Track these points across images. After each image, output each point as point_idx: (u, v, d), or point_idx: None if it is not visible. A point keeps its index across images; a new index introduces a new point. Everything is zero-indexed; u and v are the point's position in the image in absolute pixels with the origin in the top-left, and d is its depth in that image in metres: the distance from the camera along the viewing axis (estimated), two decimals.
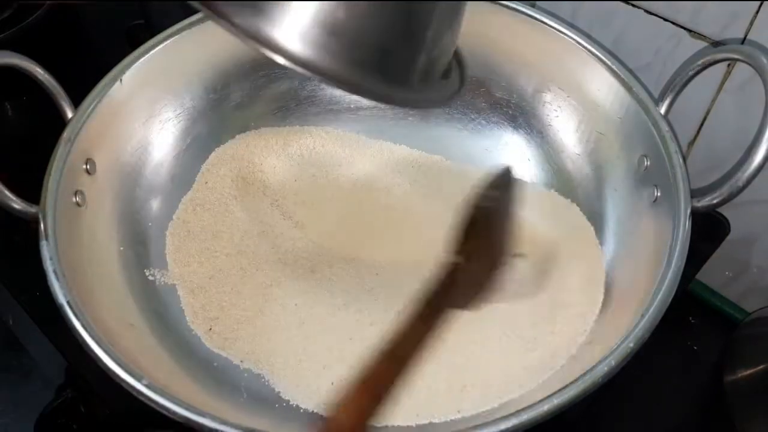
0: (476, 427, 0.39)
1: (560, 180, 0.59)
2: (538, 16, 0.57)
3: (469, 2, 0.58)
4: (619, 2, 0.56)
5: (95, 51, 0.78)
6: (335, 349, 0.50)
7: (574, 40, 0.56)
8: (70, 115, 0.50)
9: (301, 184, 0.60)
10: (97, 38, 0.81)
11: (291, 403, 0.48)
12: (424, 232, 0.58)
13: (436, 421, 0.46)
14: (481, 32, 0.60)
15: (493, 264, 0.44)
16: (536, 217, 0.56)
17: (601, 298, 0.51)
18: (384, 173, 0.61)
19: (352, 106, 0.64)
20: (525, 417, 0.38)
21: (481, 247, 0.42)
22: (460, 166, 0.62)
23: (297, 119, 0.63)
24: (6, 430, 0.54)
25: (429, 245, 0.56)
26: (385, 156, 0.62)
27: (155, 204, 0.57)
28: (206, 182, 0.59)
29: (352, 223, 0.58)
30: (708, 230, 0.55)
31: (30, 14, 0.72)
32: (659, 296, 0.43)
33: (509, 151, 0.62)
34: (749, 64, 0.46)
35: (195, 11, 0.57)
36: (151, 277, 0.53)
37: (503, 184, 0.47)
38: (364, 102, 0.64)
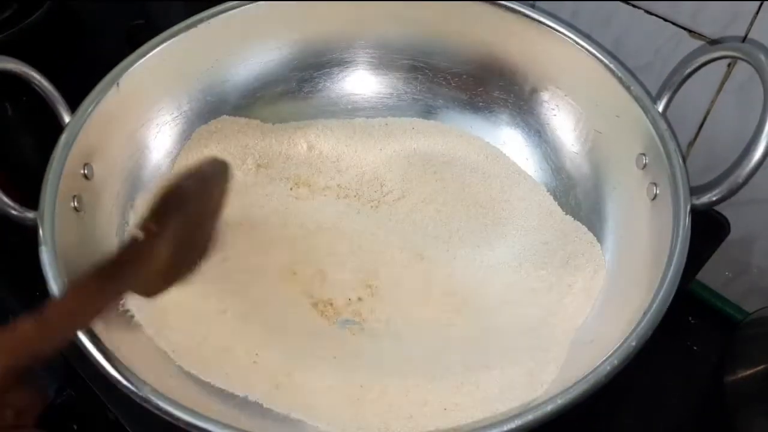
0: (479, 428, 0.39)
1: (559, 179, 0.59)
2: (537, 16, 0.57)
3: (469, 3, 0.59)
4: (619, 2, 0.56)
5: (95, 51, 0.78)
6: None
7: (572, 39, 0.56)
8: (67, 119, 0.50)
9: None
10: (97, 38, 0.81)
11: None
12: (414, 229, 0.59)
13: None
14: (481, 32, 0.60)
15: (184, 250, 0.42)
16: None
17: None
18: (378, 172, 0.61)
19: (349, 107, 0.64)
20: (529, 417, 0.38)
21: (173, 227, 0.40)
22: (459, 165, 0.61)
23: (293, 120, 0.63)
24: None
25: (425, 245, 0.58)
26: (381, 155, 0.62)
27: None
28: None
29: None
30: (708, 230, 0.55)
31: (30, 14, 0.72)
32: (660, 295, 0.43)
33: (507, 150, 0.62)
34: (747, 62, 0.46)
35: (195, 11, 0.57)
36: None
37: (216, 175, 0.46)
38: (362, 103, 0.65)
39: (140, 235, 0.39)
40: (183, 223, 0.41)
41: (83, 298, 0.36)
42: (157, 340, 0.48)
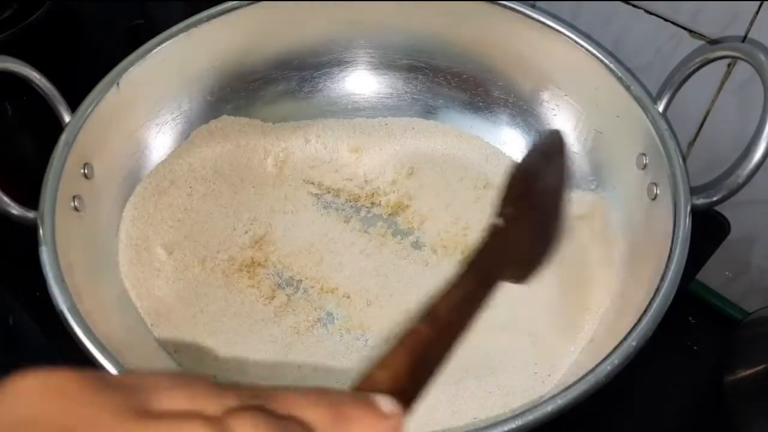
0: (479, 428, 0.39)
1: None
2: (537, 16, 0.57)
3: (469, 2, 0.59)
4: (619, 2, 0.56)
5: (95, 51, 0.78)
6: None
7: (572, 39, 0.56)
8: (67, 119, 0.50)
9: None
10: (97, 38, 0.80)
11: None
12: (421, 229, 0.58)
13: None
14: (480, 32, 0.60)
15: (543, 228, 0.40)
16: None
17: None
18: (377, 172, 0.61)
19: (349, 107, 0.64)
20: (529, 417, 0.38)
21: (527, 209, 0.39)
22: (459, 165, 0.61)
23: (293, 120, 0.63)
24: None
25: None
26: (381, 155, 0.62)
27: None
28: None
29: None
30: (708, 230, 0.55)
31: (30, 14, 0.72)
32: (660, 295, 0.43)
33: (507, 150, 0.62)
34: (747, 62, 0.46)
35: (195, 11, 0.57)
36: None
37: (553, 147, 0.45)
38: (362, 103, 0.65)
39: (500, 222, 0.37)
40: (537, 203, 0.40)
41: (466, 294, 0.32)
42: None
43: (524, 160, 0.43)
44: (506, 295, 0.52)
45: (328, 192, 0.60)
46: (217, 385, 0.21)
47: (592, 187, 0.57)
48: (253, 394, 0.21)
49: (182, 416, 0.20)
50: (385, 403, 0.24)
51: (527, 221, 0.39)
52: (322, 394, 0.22)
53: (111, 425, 0.19)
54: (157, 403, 0.20)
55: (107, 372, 0.39)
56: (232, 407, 0.20)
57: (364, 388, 0.25)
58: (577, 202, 0.56)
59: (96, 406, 0.19)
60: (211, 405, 0.20)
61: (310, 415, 0.22)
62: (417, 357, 0.27)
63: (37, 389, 0.20)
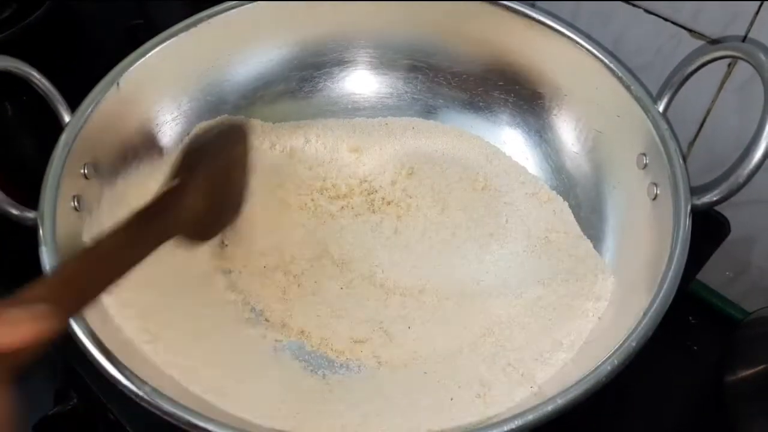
0: (479, 428, 0.39)
1: (559, 179, 0.59)
2: (537, 16, 0.57)
3: (469, 2, 0.59)
4: (619, 2, 0.56)
5: (95, 51, 0.78)
6: None
7: (572, 39, 0.56)
8: (67, 119, 0.50)
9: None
10: (97, 38, 0.80)
11: None
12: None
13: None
14: (481, 32, 0.60)
15: (216, 200, 0.45)
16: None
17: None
18: (377, 171, 0.61)
19: (349, 107, 0.64)
20: (529, 417, 0.38)
21: (199, 180, 0.43)
22: (459, 165, 0.61)
23: (293, 120, 0.63)
24: None
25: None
26: (380, 155, 0.62)
27: None
28: None
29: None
30: (708, 230, 0.55)
31: (30, 14, 0.72)
32: (661, 295, 0.43)
33: (507, 150, 0.62)
34: (747, 62, 0.46)
35: (195, 11, 0.57)
36: None
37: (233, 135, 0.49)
38: (362, 103, 0.65)
39: (174, 182, 0.40)
40: (212, 173, 0.44)
41: (128, 238, 0.37)
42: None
43: (201, 135, 0.47)
44: (504, 299, 0.53)
45: (327, 192, 0.60)
46: None
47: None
48: None
49: None
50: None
51: (201, 186, 0.42)
52: None
53: None
54: None
55: None
56: None
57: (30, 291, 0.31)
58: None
59: None
60: None
61: None
62: (79, 278, 0.34)
63: None
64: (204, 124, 0.59)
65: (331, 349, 0.51)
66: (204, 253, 0.55)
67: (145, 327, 0.47)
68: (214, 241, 0.52)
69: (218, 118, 0.59)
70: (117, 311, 0.47)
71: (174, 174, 0.43)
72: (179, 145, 0.50)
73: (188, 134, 0.59)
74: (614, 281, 0.51)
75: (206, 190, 0.43)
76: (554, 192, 0.59)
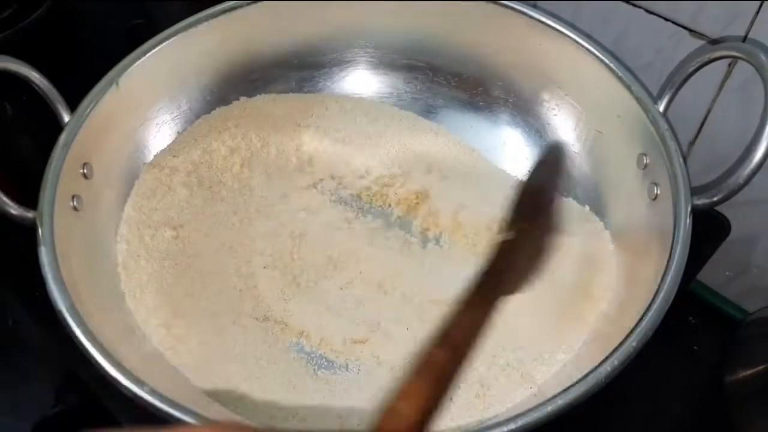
0: (479, 428, 0.39)
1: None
2: (537, 16, 0.57)
3: (469, 2, 0.59)
4: (619, 2, 0.56)
5: (95, 51, 0.78)
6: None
7: (573, 39, 0.56)
8: (66, 119, 0.50)
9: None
10: (97, 38, 0.80)
11: None
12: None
13: None
14: (481, 31, 0.60)
15: (541, 243, 0.41)
16: None
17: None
18: (377, 172, 0.61)
19: (348, 106, 0.64)
20: (529, 418, 0.38)
21: (531, 226, 0.40)
22: (459, 165, 0.61)
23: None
24: (4, 430, 0.54)
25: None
26: (379, 156, 0.62)
27: None
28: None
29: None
30: (708, 230, 0.55)
31: (29, 14, 0.72)
32: (661, 295, 0.43)
33: (507, 149, 0.62)
34: (748, 62, 0.46)
35: (195, 11, 0.57)
36: None
37: (552, 160, 0.46)
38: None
39: (510, 236, 0.38)
40: (540, 216, 0.41)
41: (476, 313, 0.33)
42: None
43: (531, 175, 0.44)
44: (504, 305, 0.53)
45: (326, 192, 0.60)
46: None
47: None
48: None
49: None
50: None
51: (530, 235, 0.39)
52: None
53: None
54: None
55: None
56: None
57: (389, 421, 0.26)
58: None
59: None
60: None
61: None
62: (436, 383, 0.28)
63: None
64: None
65: (331, 350, 0.51)
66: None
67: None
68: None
69: None
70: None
71: (515, 217, 0.39)
72: (515, 185, 0.43)
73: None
74: (614, 280, 0.51)
75: (536, 236, 0.39)
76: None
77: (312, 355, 0.50)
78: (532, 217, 0.40)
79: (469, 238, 0.57)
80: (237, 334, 0.51)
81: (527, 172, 0.43)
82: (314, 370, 0.50)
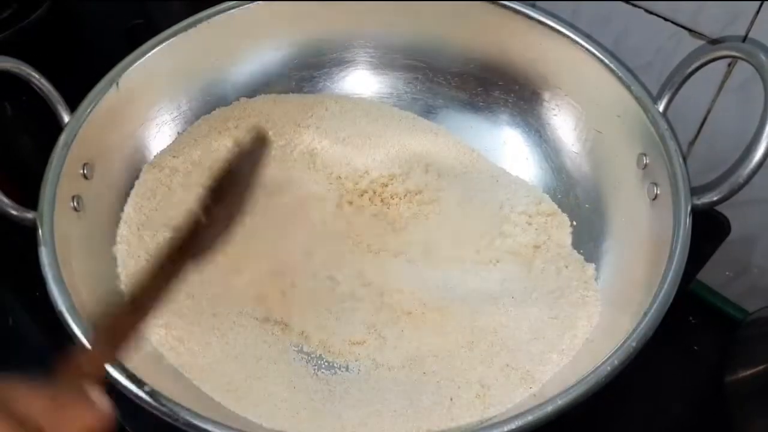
0: (479, 428, 0.39)
1: (559, 179, 0.59)
2: (537, 16, 0.57)
3: (469, 2, 0.59)
4: (619, 2, 0.56)
5: (95, 51, 0.78)
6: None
7: (572, 39, 0.56)
8: (66, 119, 0.50)
9: None
10: (97, 38, 0.80)
11: None
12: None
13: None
14: (481, 32, 0.60)
15: (231, 219, 0.43)
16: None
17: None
18: (377, 172, 0.61)
19: (348, 107, 0.64)
20: (529, 418, 0.38)
21: (224, 207, 0.42)
22: (459, 165, 0.61)
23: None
24: None
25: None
26: (377, 157, 0.61)
27: None
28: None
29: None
30: (708, 230, 0.55)
31: (30, 14, 0.72)
32: (661, 295, 0.43)
33: (507, 149, 0.62)
34: (748, 62, 0.46)
35: (195, 11, 0.57)
36: None
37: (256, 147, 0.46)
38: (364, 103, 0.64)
39: (203, 217, 0.40)
40: (231, 195, 0.42)
41: (161, 275, 0.38)
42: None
43: (231, 159, 0.44)
44: (502, 308, 0.53)
45: (326, 193, 0.60)
46: None
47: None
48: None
49: None
50: (95, 394, 0.31)
51: (221, 212, 0.41)
52: (44, 387, 0.30)
53: None
54: None
55: None
56: None
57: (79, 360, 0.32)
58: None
59: None
60: None
61: (35, 408, 0.29)
62: (122, 331, 0.35)
63: None
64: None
65: (329, 351, 0.51)
66: None
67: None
68: None
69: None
70: None
71: (206, 199, 0.41)
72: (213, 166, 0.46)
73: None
74: (610, 281, 0.51)
75: (227, 213, 0.41)
76: (556, 206, 0.58)
77: (312, 356, 0.50)
78: (228, 201, 0.42)
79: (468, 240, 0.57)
80: (237, 334, 0.51)
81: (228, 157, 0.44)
82: (314, 370, 0.50)
